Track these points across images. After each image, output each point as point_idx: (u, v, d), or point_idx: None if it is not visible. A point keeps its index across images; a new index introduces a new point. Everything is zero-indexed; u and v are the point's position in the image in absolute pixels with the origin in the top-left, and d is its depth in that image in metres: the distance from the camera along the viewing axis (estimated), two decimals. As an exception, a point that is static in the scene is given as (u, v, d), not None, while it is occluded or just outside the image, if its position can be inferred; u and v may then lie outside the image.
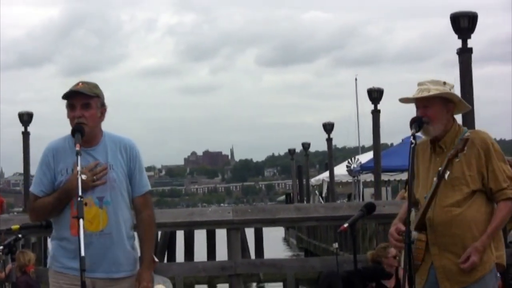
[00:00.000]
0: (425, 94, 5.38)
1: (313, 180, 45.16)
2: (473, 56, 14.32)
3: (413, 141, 5.26)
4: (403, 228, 5.24)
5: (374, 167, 25.62)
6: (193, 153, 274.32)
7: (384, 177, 28.27)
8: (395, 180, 31.34)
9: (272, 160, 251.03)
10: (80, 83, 5.29)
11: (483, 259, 5.23)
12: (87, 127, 5.22)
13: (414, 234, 5.33)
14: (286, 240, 55.08)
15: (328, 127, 36.40)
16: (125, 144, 5.38)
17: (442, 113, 5.40)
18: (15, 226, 5.32)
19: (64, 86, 5.38)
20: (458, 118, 5.65)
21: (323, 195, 39.27)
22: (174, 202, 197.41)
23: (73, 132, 5.19)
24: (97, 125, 5.32)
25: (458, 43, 14.28)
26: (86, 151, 5.22)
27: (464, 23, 14.21)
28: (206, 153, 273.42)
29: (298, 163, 53.11)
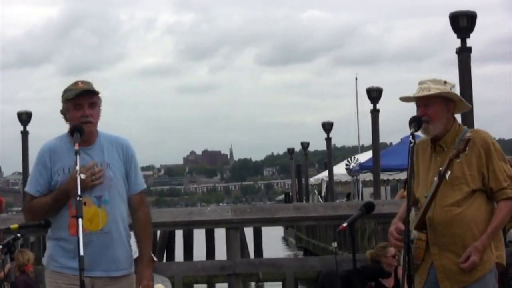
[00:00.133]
0: (425, 93, 5.38)
1: (312, 180, 45.19)
2: (473, 55, 14.36)
3: (412, 140, 5.26)
4: (403, 227, 5.24)
5: (373, 166, 25.64)
6: (192, 153, 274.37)
7: (383, 176, 28.28)
8: (394, 179, 31.34)
9: (271, 160, 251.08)
10: (80, 83, 5.30)
11: (483, 258, 5.23)
12: (93, 126, 5.27)
13: (415, 233, 5.33)
14: (285, 239, 55.11)
15: (327, 127, 36.40)
16: (121, 144, 5.40)
17: (442, 112, 5.40)
18: (14, 226, 5.31)
19: (63, 85, 5.39)
20: (458, 117, 5.65)
21: (322, 194, 39.30)
22: (173, 201, 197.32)
23: (72, 132, 5.19)
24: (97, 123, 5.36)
25: (457, 43, 14.31)
26: (83, 150, 5.21)
27: (463, 23, 14.23)
28: (205, 152, 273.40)
29: (297, 163, 53.11)
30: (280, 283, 25.40)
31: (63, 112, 5.32)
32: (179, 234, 33.05)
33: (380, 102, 25.70)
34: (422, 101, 5.41)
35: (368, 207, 5.48)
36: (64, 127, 5.36)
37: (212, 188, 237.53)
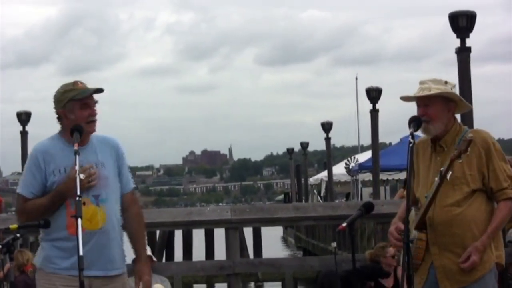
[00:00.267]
0: (426, 93, 5.38)
1: (311, 180, 45.22)
2: (473, 55, 14.39)
3: (411, 140, 5.26)
4: (403, 227, 5.24)
5: (372, 166, 25.65)
6: (192, 153, 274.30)
7: (383, 176, 28.31)
8: (393, 179, 31.36)
9: (270, 160, 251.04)
10: (79, 83, 5.32)
11: (483, 258, 5.23)
12: (95, 125, 5.31)
13: (415, 233, 5.33)
14: (284, 239, 55.12)
15: (327, 127, 36.42)
16: (112, 143, 5.44)
17: (443, 112, 5.39)
18: (13, 226, 5.30)
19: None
20: (457, 117, 5.65)
21: (322, 194, 39.33)
22: (173, 201, 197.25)
23: (72, 131, 5.20)
24: None
25: (457, 42, 14.32)
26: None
27: (462, 22, 14.25)
28: (205, 152, 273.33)
29: (297, 163, 53.15)
30: (280, 283, 25.40)
31: (63, 112, 5.28)
32: (178, 234, 33.06)
33: (379, 102, 25.73)
34: (422, 101, 5.41)
35: (368, 207, 5.48)
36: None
37: (212, 188, 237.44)
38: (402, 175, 25.34)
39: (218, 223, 8.70)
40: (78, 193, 4.93)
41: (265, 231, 37.84)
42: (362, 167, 31.11)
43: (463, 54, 14.25)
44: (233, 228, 8.51)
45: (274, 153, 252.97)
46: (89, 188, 5.19)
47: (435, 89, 5.38)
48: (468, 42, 14.29)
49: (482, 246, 5.22)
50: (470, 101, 13.50)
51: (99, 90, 5.32)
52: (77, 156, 5.05)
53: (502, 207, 5.30)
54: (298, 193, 49.72)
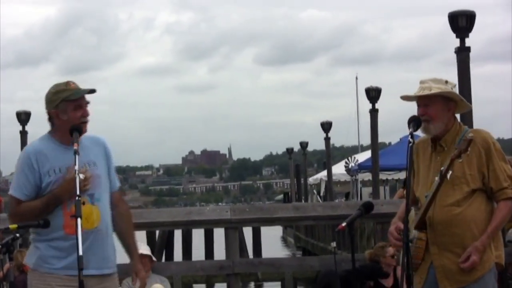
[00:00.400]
0: (426, 92, 5.38)
1: (311, 179, 45.22)
2: (472, 55, 14.41)
3: (411, 140, 5.26)
4: (402, 226, 5.24)
5: (372, 166, 25.66)
6: (191, 152, 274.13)
7: (382, 176, 28.32)
8: (393, 179, 31.37)
9: (270, 159, 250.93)
10: (71, 83, 5.32)
11: (482, 258, 5.23)
12: (87, 125, 5.31)
13: (415, 233, 5.33)
14: (284, 239, 55.12)
15: (326, 126, 36.42)
16: (101, 142, 5.46)
17: (443, 112, 5.40)
18: (12, 225, 5.29)
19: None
20: (457, 116, 5.65)
21: (321, 194, 39.32)
22: (172, 201, 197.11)
23: (71, 131, 5.20)
24: None
25: (456, 42, 14.33)
26: (70, 149, 5.23)
27: (462, 22, 14.26)
28: (204, 152, 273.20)
29: (296, 162, 53.15)
30: (279, 282, 25.43)
31: (56, 112, 5.27)
32: (178, 234, 33.08)
33: (379, 101, 25.76)
34: (422, 101, 5.41)
35: (367, 207, 5.48)
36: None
37: (211, 187, 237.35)
38: (402, 175, 25.36)
39: (218, 223, 8.70)
40: (78, 192, 4.94)
41: (265, 231, 37.87)
42: (361, 167, 31.11)
43: (463, 54, 14.26)
44: (233, 228, 8.51)
45: (274, 153, 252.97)
46: (85, 191, 5.19)
47: (435, 89, 5.38)
48: (468, 42, 14.31)
49: (482, 246, 5.22)
50: (470, 101, 13.47)
51: (92, 91, 5.32)
52: (76, 156, 5.06)
53: (502, 207, 5.30)
54: (297, 193, 49.74)
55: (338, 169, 35.99)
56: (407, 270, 5.05)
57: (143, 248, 8.61)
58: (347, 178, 35.35)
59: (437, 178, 5.25)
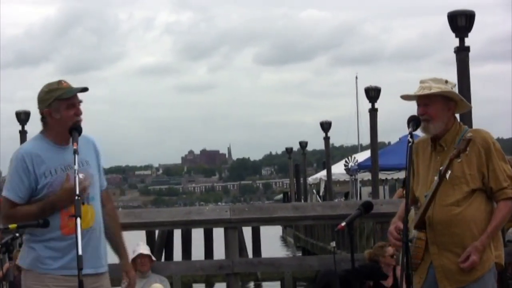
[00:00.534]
0: (426, 91, 5.38)
1: (310, 179, 45.24)
2: (472, 54, 14.42)
3: (410, 139, 5.27)
4: (402, 226, 5.24)
5: (371, 165, 25.67)
6: (191, 152, 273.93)
7: (382, 175, 28.31)
8: (392, 178, 31.39)
9: (269, 159, 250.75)
10: (63, 82, 5.31)
11: (482, 258, 5.23)
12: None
13: (414, 232, 5.33)
14: (283, 239, 55.15)
15: (326, 126, 36.42)
16: (92, 141, 5.46)
17: (443, 112, 5.40)
18: (12, 225, 5.29)
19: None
20: (456, 116, 5.65)
21: (321, 193, 39.34)
22: (172, 201, 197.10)
23: (71, 131, 5.19)
24: None
25: (456, 42, 14.34)
26: (64, 149, 5.25)
27: (461, 22, 14.27)
28: (204, 152, 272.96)
29: (296, 162, 53.17)
30: (279, 282, 25.46)
31: (49, 111, 5.25)
32: (177, 234, 33.10)
33: (378, 101, 25.77)
34: (422, 100, 5.41)
35: (367, 207, 5.48)
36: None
37: (211, 187, 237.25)
38: (401, 175, 25.37)
39: (217, 223, 8.70)
40: (77, 192, 4.94)
41: (264, 230, 37.90)
42: (361, 167, 31.12)
43: (462, 53, 14.28)
44: (232, 228, 8.51)
45: (273, 153, 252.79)
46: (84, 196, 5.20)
47: (435, 88, 5.38)
48: (467, 41, 14.33)
49: (482, 246, 5.22)
50: (469, 101, 13.51)
51: (84, 89, 5.31)
52: (76, 156, 5.05)
53: (502, 206, 5.30)
54: (297, 193, 49.77)
55: (338, 169, 36.00)
56: (407, 270, 5.05)
57: (143, 248, 8.62)
58: (347, 177, 35.38)
59: (436, 178, 5.26)
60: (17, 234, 5.61)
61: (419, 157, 5.52)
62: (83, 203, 5.03)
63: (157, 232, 31.00)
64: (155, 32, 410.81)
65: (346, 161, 33.73)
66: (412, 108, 5.49)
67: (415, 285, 5.30)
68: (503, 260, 5.44)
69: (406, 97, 5.54)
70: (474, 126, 7.70)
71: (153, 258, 8.71)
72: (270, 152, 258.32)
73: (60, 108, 5.23)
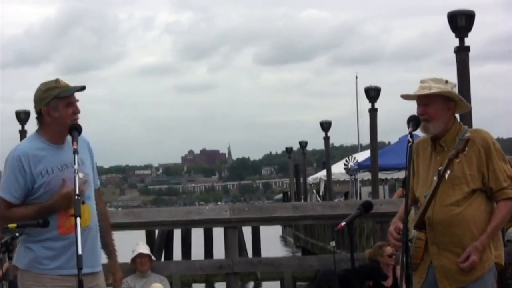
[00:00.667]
0: (426, 91, 5.38)
1: (310, 179, 45.24)
2: (472, 54, 14.44)
3: (410, 139, 5.27)
4: (402, 226, 5.24)
5: (371, 165, 25.67)
6: (190, 152, 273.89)
7: (381, 175, 28.31)
8: (392, 178, 31.38)
9: (269, 159, 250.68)
10: (61, 81, 5.31)
11: (482, 258, 5.23)
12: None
13: (414, 232, 5.33)
14: (283, 238, 55.15)
15: (326, 126, 36.40)
16: (86, 140, 5.44)
17: (442, 112, 5.40)
18: (12, 225, 5.29)
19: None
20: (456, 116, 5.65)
21: (320, 193, 39.33)
22: (171, 200, 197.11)
23: (71, 130, 5.19)
24: None
25: (456, 42, 14.35)
26: (59, 148, 5.25)
27: (461, 22, 14.28)
28: (203, 151, 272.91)
29: (296, 162, 53.17)
30: (279, 282, 25.47)
31: (47, 110, 5.23)
32: (177, 233, 33.10)
33: (378, 101, 25.77)
34: (422, 100, 5.42)
35: (366, 206, 5.48)
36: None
37: (210, 187, 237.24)
38: (401, 174, 25.37)
39: (217, 222, 8.71)
40: (77, 192, 4.93)
41: (264, 230, 37.90)
42: (361, 166, 31.11)
43: (462, 53, 14.29)
44: (232, 227, 8.51)
45: (273, 152, 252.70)
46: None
47: (435, 88, 5.38)
48: (467, 41, 14.34)
49: (482, 246, 5.22)
50: (469, 100, 13.53)
51: (83, 88, 5.31)
52: (76, 156, 5.04)
53: (502, 207, 5.30)
54: (297, 192, 49.76)
55: (338, 169, 36.00)
56: (407, 270, 5.05)
57: (143, 248, 8.63)
58: (346, 177, 35.38)
59: (435, 178, 5.26)
60: (17, 234, 5.61)
61: (419, 157, 5.52)
62: (83, 203, 5.02)
63: (156, 231, 31.01)
64: (155, 32, 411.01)
65: (346, 161, 33.73)
66: (412, 108, 5.50)
67: (415, 285, 5.30)
68: (503, 260, 5.44)
69: (406, 97, 5.54)
70: (474, 126, 7.70)
71: (153, 258, 8.71)
72: (270, 152, 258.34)
73: (59, 106, 5.22)
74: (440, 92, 5.38)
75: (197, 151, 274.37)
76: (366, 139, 48.54)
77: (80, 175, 5.07)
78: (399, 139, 29.81)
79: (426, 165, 5.46)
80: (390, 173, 29.85)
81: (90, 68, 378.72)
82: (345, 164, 33.41)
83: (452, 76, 13.88)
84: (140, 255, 8.52)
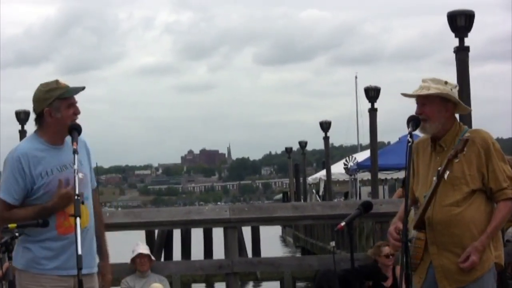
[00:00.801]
0: (424, 91, 5.39)
1: (310, 179, 45.25)
2: (472, 54, 14.45)
3: (410, 139, 5.27)
4: (402, 227, 5.24)
5: (371, 165, 25.67)
6: (190, 152, 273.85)
7: (381, 175, 28.32)
8: (392, 178, 31.39)
9: (269, 159, 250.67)
10: (61, 82, 5.31)
11: (482, 258, 5.23)
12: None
13: (414, 232, 5.33)
14: (283, 238, 55.15)
15: (325, 126, 36.40)
16: (83, 141, 5.43)
17: (439, 113, 5.40)
18: (11, 225, 5.29)
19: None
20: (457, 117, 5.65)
21: (320, 193, 39.34)
22: (171, 200, 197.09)
23: (71, 130, 5.19)
24: None
25: (455, 42, 14.35)
26: (58, 149, 5.26)
27: (461, 22, 14.29)
28: (203, 151, 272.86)
29: (295, 162, 53.14)
30: (278, 282, 25.47)
31: (49, 111, 5.22)
32: (177, 233, 33.09)
33: (378, 101, 25.78)
34: (420, 100, 5.43)
35: (366, 206, 5.48)
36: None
37: (210, 187, 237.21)
38: (401, 174, 25.39)
39: (217, 223, 8.71)
40: (77, 191, 4.94)
41: (264, 230, 37.91)
42: (360, 166, 31.12)
43: (462, 53, 14.29)
44: (232, 227, 8.51)
45: (273, 152, 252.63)
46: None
47: (434, 89, 5.38)
48: (467, 41, 14.34)
49: (482, 246, 5.22)
50: (469, 100, 13.54)
51: (82, 89, 5.32)
52: (75, 156, 5.05)
53: (502, 207, 5.30)
54: (296, 192, 49.76)
55: (337, 169, 36.01)
56: (406, 270, 5.06)
57: (142, 248, 8.63)
58: (346, 177, 35.39)
59: (434, 178, 5.26)
60: (16, 234, 5.61)
61: (419, 157, 5.53)
62: (82, 203, 5.02)
63: (156, 231, 31.00)
64: (155, 32, 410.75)
65: (345, 161, 33.72)
66: (411, 107, 5.52)
67: (415, 285, 5.31)
68: (503, 260, 5.44)
69: (405, 95, 5.55)
70: (474, 126, 7.70)
71: (153, 258, 8.71)
72: (270, 152, 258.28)
73: (61, 107, 5.23)
74: (437, 93, 5.38)
75: (196, 151, 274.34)
76: (365, 139, 48.63)
77: (80, 175, 5.08)
78: (399, 139, 29.81)
79: (426, 165, 5.46)
80: (390, 173, 29.87)
81: (90, 68, 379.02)
82: (344, 164, 33.40)
83: (452, 76, 13.90)
84: (140, 255, 8.52)
